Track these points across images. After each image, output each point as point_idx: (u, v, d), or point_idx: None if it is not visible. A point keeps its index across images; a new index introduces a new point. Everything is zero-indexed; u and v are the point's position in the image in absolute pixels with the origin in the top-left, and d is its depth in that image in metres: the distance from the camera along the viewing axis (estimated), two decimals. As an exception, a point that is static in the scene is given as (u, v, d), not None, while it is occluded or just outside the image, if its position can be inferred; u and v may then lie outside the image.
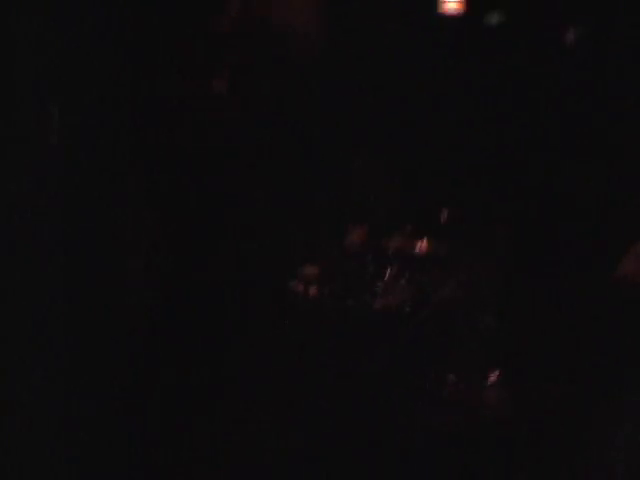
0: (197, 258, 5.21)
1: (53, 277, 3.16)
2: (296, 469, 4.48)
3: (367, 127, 6.12)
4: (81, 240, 3.57)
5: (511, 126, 6.63)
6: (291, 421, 4.62)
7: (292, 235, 5.43)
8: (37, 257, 3.06)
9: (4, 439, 2.92)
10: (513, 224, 5.81)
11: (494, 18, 6.85)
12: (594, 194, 6.27)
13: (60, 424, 3.14)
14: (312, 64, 6.11)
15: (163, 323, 4.84)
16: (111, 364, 3.78)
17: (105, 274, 3.95)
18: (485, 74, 6.72)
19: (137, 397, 4.14)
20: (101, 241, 3.79)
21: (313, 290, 5.11)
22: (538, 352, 5.39)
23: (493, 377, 5.36)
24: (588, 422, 4.35)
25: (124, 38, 4.20)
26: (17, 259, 3.04)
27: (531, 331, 5.63)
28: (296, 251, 5.30)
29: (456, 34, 6.67)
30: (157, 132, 5.00)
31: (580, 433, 4.34)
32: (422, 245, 5.50)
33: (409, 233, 5.57)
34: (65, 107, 3.55)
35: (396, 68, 6.47)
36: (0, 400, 2.95)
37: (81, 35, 3.85)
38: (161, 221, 4.98)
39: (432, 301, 5.39)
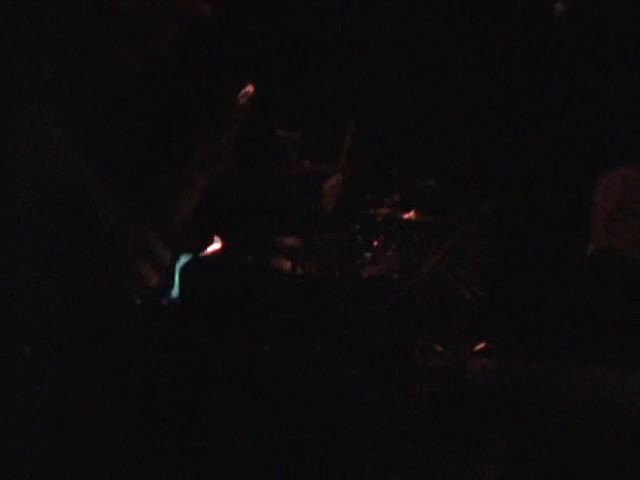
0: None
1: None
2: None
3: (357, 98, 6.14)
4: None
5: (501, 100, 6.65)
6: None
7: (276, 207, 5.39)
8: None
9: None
10: (500, 198, 5.83)
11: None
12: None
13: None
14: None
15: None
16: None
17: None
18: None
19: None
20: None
21: (297, 261, 5.08)
22: (523, 324, 5.44)
23: (479, 347, 5.41)
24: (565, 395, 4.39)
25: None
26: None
27: (517, 303, 5.69)
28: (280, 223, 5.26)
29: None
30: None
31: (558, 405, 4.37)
32: (410, 214, 5.50)
33: (397, 202, 5.56)
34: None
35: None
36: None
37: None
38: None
39: (420, 270, 5.41)
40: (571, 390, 3.86)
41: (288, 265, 5.13)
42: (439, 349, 5.30)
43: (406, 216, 5.49)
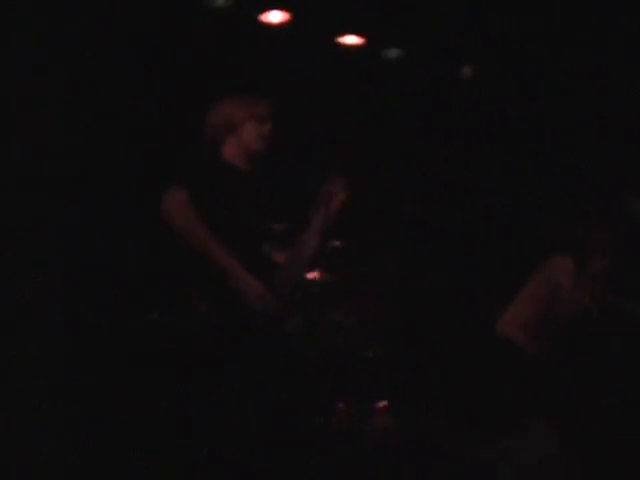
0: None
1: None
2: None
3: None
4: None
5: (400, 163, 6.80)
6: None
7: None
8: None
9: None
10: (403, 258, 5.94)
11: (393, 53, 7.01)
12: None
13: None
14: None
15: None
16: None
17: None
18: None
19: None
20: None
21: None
22: (422, 382, 5.53)
23: (380, 405, 5.45)
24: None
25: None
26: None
27: (417, 362, 5.77)
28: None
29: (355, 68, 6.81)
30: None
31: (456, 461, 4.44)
32: (314, 274, 5.57)
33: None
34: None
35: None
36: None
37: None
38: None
39: (321, 329, 5.45)
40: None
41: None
42: (341, 407, 5.33)
43: (310, 276, 5.56)
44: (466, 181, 7.08)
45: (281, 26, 6.26)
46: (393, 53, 6.98)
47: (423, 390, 5.44)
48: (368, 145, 6.83)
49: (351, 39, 6.80)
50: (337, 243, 5.72)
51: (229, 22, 6.00)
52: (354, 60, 6.77)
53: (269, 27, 6.23)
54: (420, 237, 6.58)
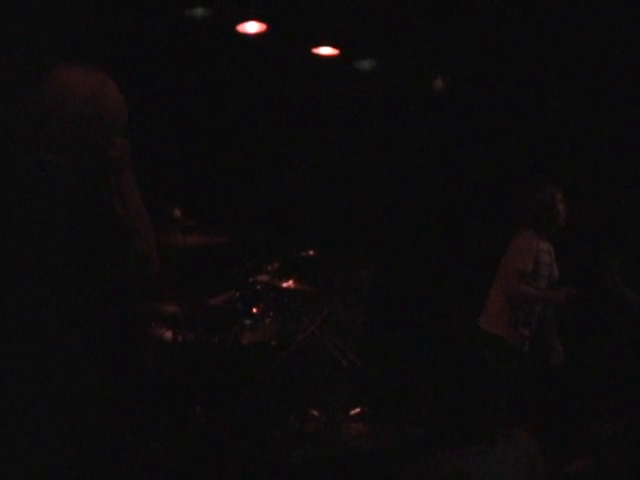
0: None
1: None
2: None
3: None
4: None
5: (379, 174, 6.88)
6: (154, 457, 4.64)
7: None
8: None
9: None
10: (375, 268, 5.98)
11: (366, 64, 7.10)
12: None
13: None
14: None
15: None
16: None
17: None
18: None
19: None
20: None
21: (178, 329, 5.11)
22: (398, 391, 5.59)
23: (354, 412, 5.52)
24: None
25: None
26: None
27: (391, 369, 5.83)
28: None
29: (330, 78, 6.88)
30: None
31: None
32: (289, 283, 5.62)
33: (276, 271, 5.67)
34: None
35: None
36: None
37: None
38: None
39: (298, 337, 5.50)
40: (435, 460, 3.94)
41: (169, 333, 5.19)
42: (315, 414, 5.39)
43: (285, 284, 5.61)
44: (437, 189, 7.18)
45: (258, 36, 6.32)
46: (367, 64, 7.08)
47: (400, 398, 5.51)
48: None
49: (326, 50, 6.88)
50: (311, 252, 5.78)
51: (208, 32, 6.05)
52: (328, 70, 6.85)
53: (246, 37, 6.30)
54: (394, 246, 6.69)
